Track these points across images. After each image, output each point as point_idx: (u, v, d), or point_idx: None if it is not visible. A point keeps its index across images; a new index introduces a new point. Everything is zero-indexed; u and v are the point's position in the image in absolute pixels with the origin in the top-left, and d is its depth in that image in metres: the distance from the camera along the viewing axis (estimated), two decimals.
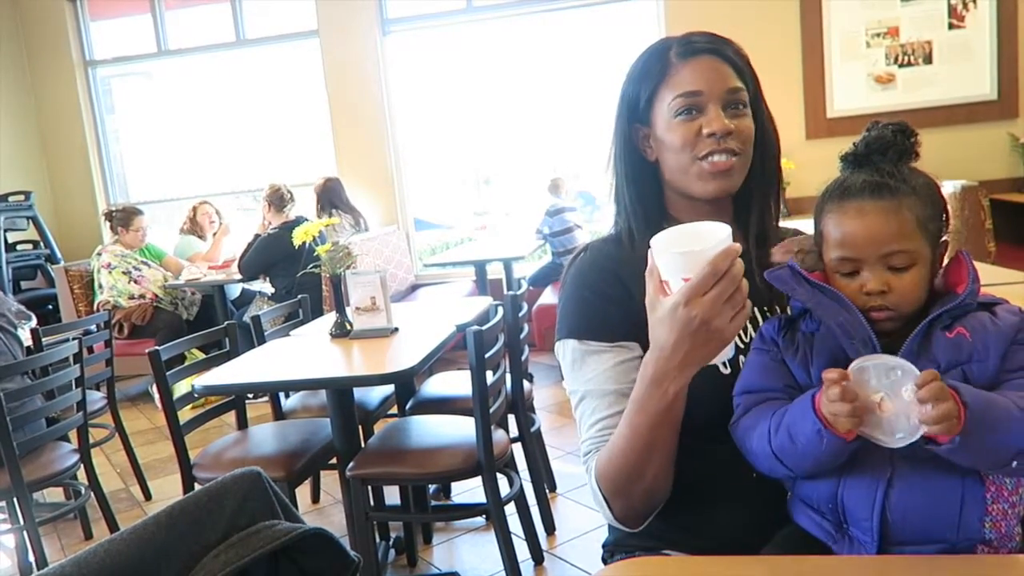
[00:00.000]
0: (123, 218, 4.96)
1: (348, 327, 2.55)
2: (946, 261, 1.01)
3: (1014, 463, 0.87)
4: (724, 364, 1.11)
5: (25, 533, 2.50)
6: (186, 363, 2.50)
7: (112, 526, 2.86)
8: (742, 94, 1.13)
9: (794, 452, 0.93)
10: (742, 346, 1.13)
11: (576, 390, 1.16)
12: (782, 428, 0.94)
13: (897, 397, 0.85)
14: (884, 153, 0.98)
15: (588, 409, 1.14)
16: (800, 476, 0.99)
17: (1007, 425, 0.85)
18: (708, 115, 1.11)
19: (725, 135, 1.10)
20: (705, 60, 1.13)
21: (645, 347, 1.13)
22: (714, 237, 0.90)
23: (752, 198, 1.19)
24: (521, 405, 2.70)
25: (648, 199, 1.20)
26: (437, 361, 2.40)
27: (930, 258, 0.96)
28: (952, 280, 0.98)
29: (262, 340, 2.73)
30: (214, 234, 5.43)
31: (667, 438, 1.02)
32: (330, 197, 5.03)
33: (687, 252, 0.90)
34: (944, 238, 0.99)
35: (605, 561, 1.24)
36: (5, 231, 5.56)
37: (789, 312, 1.07)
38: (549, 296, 4.90)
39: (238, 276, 4.60)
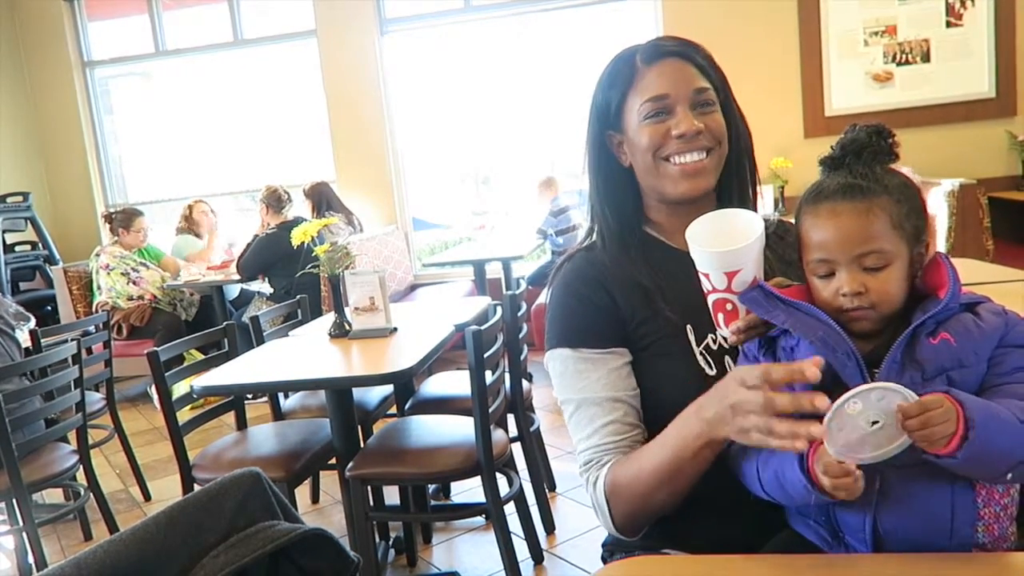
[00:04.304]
0: (124, 219, 4.96)
1: (347, 327, 2.55)
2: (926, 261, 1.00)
3: (1009, 475, 0.86)
4: (709, 365, 1.12)
5: (24, 534, 2.50)
6: (185, 364, 2.50)
7: (111, 527, 2.86)
8: (709, 93, 1.15)
9: (785, 497, 0.94)
10: (726, 346, 1.12)
11: (570, 399, 1.16)
12: (770, 470, 0.94)
13: (888, 417, 0.83)
14: (859, 155, 0.98)
15: (585, 418, 1.14)
16: None
17: (1009, 436, 0.84)
18: (676, 117, 1.13)
19: (695, 135, 1.12)
20: (670, 63, 1.15)
21: (633, 353, 1.14)
22: (750, 232, 0.95)
23: (732, 195, 1.21)
24: (520, 405, 2.70)
25: (623, 204, 1.22)
26: (436, 361, 2.40)
27: (907, 257, 0.95)
28: (932, 283, 0.97)
29: (261, 340, 2.73)
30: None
31: (688, 478, 1.02)
32: (322, 199, 5.03)
33: (725, 252, 0.95)
34: (924, 237, 0.97)
35: (605, 560, 1.24)
36: (3, 232, 5.56)
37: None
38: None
39: (236, 276, 4.61)
